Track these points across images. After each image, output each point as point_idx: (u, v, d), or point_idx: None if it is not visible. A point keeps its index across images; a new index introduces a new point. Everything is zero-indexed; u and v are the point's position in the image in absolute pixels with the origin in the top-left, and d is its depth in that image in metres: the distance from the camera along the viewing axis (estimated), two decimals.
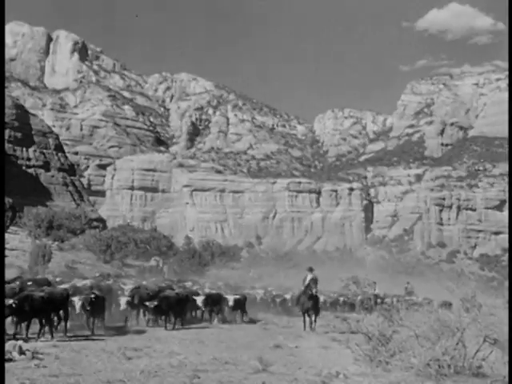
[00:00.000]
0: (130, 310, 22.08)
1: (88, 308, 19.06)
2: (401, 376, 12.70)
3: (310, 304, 23.69)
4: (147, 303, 21.57)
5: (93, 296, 19.47)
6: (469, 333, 13.11)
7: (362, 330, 14.91)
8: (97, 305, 19.71)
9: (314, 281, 24.00)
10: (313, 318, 24.03)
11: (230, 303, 26.24)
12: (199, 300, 24.95)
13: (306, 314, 23.98)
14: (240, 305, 27.21)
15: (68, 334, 18.34)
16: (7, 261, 38.63)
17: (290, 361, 15.70)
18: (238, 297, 27.33)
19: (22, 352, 13.94)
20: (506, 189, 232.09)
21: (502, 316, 13.26)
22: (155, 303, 21.43)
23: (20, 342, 14.55)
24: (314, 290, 23.65)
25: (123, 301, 21.35)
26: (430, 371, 12.39)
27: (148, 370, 12.99)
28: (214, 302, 26.21)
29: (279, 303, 32.22)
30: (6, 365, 12.53)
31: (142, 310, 22.77)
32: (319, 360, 16.01)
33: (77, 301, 18.92)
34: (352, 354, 14.76)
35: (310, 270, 24.55)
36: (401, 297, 39.94)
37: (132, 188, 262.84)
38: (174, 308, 22.60)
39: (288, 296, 32.72)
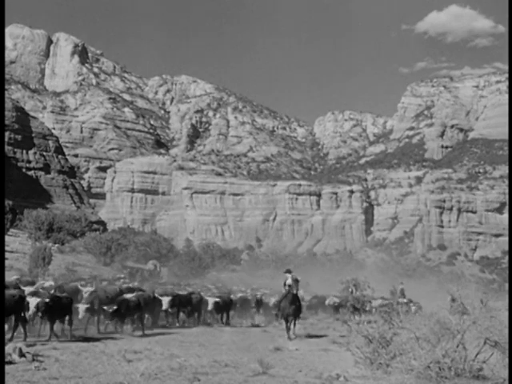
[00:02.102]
0: (90, 316, 20.75)
1: (42, 311, 17.64)
2: (401, 378, 12.68)
3: (292, 309, 21.97)
4: (105, 308, 20.24)
5: (47, 300, 17.86)
6: (469, 335, 13.09)
7: (363, 333, 14.88)
8: (56, 308, 18.23)
9: (295, 282, 22.56)
10: (293, 324, 22.35)
11: (209, 307, 25.41)
12: (165, 301, 23.82)
13: (286, 320, 22.23)
14: (224, 307, 26.25)
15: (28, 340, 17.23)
16: (7, 263, 38.62)
17: (291, 363, 15.68)
18: (217, 299, 26.18)
19: (22, 354, 13.92)
20: (507, 191, 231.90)
21: (503, 318, 13.24)
22: (114, 307, 20.13)
23: (20, 345, 14.53)
24: (294, 290, 22.18)
25: (82, 309, 19.83)
26: (430, 373, 12.37)
27: (148, 373, 12.98)
28: (183, 303, 25.15)
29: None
30: (7, 367, 12.52)
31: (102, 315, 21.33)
32: (319, 362, 16.00)
33: (31, 302, 17.63)
34: (352, 357, 14.74)
35: (289, 271, 23.12)
36: (389, 299, 38.88)
37: (132, 190, 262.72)
38: (134, 312, 21.32)
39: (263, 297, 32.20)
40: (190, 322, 26.16)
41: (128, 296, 22.40)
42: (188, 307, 25.58)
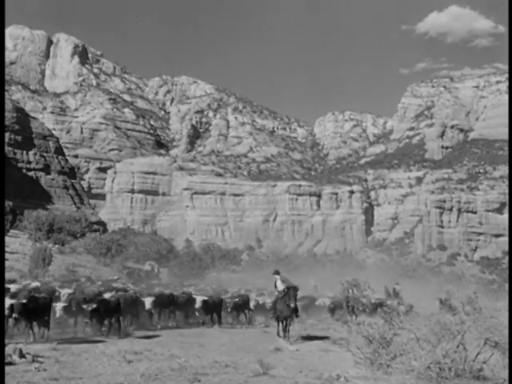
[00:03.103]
0: (67, 317, 20.62)
1: (18, 312, 17.27)
2: (401, 379, 12.67)
3: (290, 312, 21.41)
4: (84, 306, 20.07)
5: (24, 301, 17.56)
6: (469, 336, 13.08)
7: (363, 333, 14.87)
8: (33, 309, 17.90)
9: (285, 283, 21.96)
10: (290, 327, 21.88)
11: (197, 305, 24.95)
12: (148, 301, 23.51)
13: (282, 322, 21.69)
14: (213, 307, 25.78)
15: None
16: (7, 264, 38.62)
17: (291, 364, 15.67)
18: (206, 298, 25.69)
19: (22, 355, 13.92)
20: (507, 191, 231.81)
21: (503, 319, 13.25)
22: (93, 306, 19.93)
23: (20, 346, 14.53)
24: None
25: (59, 307, 19.75)
26: (430, 374, 12.37)
27: (148, 374, 12.97)
28: (165, 302, 24.86)
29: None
30: (7, 368, 12.51)
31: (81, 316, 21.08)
32: (320, 363, 15.99)
33: (6, 303, 17.28)
34: (353, 357, 14.73)
35: (277, 273, 22.64)
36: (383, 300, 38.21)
37: (132, 191, 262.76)
38: (113, 312, 21.00)
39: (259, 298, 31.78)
40: (173, 321, 25.92)
41: (107, 296, 22.16)
42: (171, 307, 25.23)
